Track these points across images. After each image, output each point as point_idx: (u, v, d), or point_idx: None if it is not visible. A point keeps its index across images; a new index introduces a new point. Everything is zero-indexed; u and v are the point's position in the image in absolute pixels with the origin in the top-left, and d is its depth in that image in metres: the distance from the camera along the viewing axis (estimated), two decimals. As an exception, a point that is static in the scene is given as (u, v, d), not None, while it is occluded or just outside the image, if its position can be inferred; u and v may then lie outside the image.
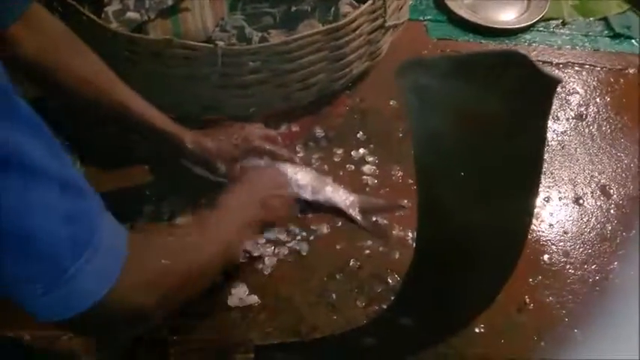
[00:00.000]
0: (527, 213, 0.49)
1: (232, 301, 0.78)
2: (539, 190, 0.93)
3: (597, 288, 0.83)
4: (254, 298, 0.79)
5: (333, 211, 0.90)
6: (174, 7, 0.98)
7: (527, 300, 0.81)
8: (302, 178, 0.89)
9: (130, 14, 0.97)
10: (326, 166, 0.96)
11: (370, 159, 0.98)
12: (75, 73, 0.78)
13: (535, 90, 0.45)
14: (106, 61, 0.82)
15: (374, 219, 0.89)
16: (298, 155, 0.97)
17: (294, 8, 1.05)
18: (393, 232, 0.88)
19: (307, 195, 0.89)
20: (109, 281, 0.46)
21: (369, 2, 0.98)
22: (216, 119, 0.96)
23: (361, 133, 1.01)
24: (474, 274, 0.58)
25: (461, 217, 0.54)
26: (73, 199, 0.45)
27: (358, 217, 0.89)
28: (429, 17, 1.28)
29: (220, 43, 0.92)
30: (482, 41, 1.23)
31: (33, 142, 0.42)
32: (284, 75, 0.96)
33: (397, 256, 0.84)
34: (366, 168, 0.96)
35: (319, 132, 1.01)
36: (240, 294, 0.79)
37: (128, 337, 0.56)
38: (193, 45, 0.91)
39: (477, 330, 0.77)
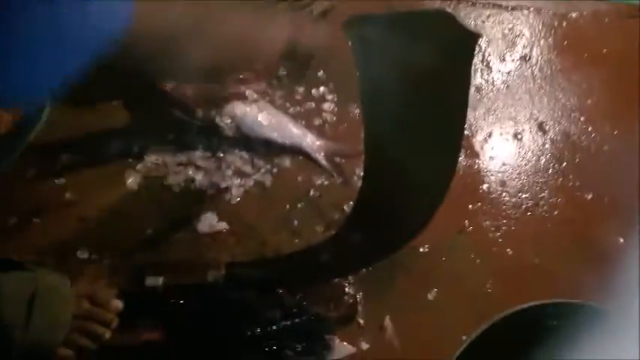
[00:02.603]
0: (455, 148, 0.58)
1: (202, 227, 0.86)
2: (483, 127, 1.04)
3: (529, 213, 0.94)
4: (223, 225, 0.87)
5: (299, 152, 0.96)
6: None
7: (467, 223, 0.91)
8: (273, 121, 0.94)
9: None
10: (288, 104, 1.01)
11: (330, 97, 1.03)
12: None
13: (459, 44, 0.53)
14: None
15: (335, 160, 0.96)
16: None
17: (255, -52, 1.07)
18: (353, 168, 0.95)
19: (276, 137, 0.94)
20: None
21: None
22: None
23: (322, 72, 1.07)
24: (412, 199, 0.67)
25: (400, 150, 0.62)
26: None
27: (323, 161, 0.95)
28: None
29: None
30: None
31: None
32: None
33: (353, 186, 0.92)
34: (326, 106, 1.02)
35: (282, 71, 1.06)
36: (210, 221, 0.86)
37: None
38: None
39: (421, 249, 0.87)
